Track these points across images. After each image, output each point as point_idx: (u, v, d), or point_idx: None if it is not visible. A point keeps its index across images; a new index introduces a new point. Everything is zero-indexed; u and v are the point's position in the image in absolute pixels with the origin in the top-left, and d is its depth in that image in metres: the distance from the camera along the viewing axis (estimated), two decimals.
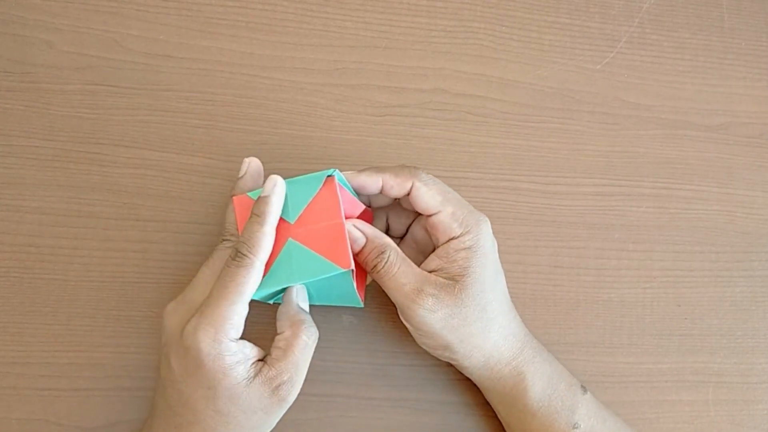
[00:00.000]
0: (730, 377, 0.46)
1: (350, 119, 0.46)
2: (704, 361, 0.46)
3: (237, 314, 0.34)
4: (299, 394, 0.41)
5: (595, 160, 0.48)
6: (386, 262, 0.36)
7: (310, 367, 0.42)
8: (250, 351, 0.35)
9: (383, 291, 0.43)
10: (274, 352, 0.35)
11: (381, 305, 0.43)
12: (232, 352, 0.33)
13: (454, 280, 0.37)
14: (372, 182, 0.37)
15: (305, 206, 0.35)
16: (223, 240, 0.36)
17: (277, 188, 0.35)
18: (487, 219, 0.38)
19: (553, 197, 0.47)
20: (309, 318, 0.36)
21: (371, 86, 0.46)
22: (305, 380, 0.41)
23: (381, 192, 0.38)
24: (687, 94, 0.50)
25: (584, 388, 0.40)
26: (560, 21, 0.49)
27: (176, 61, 0.44)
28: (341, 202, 0.35)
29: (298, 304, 0.36)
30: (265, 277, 0.35)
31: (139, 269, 0.42)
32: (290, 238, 0.35)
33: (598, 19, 0.50)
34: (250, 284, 0.34)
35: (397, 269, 0.36)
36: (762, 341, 0.47)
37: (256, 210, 0.35)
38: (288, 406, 0.36)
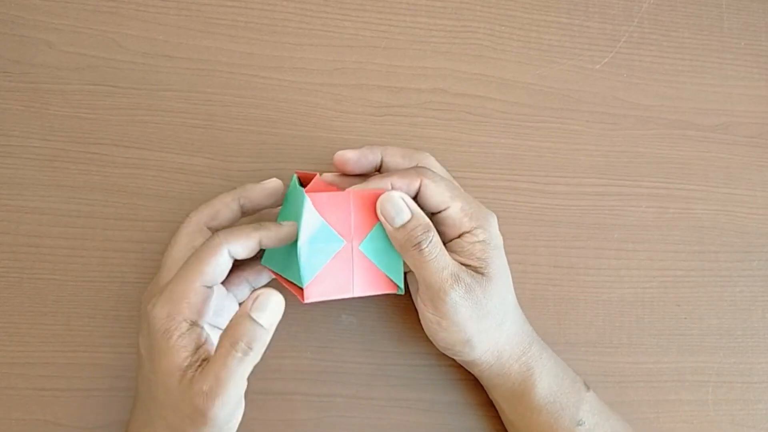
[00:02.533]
0: (729, 377, 0.46)
1: (350, 119, 0.46)
2: (704, 360, 0.46)
3: (194, 293, 0.33)
4: (299, 394, 0.42)
5: (595, 160, 0.48)
6: (430, 242, 0.35)
7: (309, 366, 0.42)
8: (205, 344, 0.33)
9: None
10: (211, 357, 0.32)
11: (381, 305, 0.43)
12: (182, 332, 0.32)
13: (480, 273, 0.37)
14: (383, 184, 0.36)
15: (327, 225, 0.35)
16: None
17: (294, 227, 0.35)
18: (494, 214, 0.38)
19: (553, 197, 0.47)
20: (247, 327, 0.31)
21: (371, 86, 0.46)
22: (305, 380, 0.42)
23: None
24: (686, 93, 0.50)
25: (587, 386, 0.40)
26: (560, 21, 0.49)
27: (176, 61, 0.44)
28: (328, 192, 0.36)
29: (249, 315, 0.31)
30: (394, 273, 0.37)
31: (139, 269, 0.42)
32: (358, 246, 0.36)
33: (597, 18, 0.50)
34: (213, 267, 0.33)
35: (439, 251, 0.36)
36: (761, 341, 0.47)
37: (262, 222, 0.35)
38: (214, 425, 0.31)
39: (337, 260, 0.35)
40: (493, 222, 0.38)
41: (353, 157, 0.38)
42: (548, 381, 0.39)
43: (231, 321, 0.32)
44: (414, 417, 0.43)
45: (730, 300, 0.47)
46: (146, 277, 0.42)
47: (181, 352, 0.32)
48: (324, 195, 0.35)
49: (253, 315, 0.31)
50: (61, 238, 0.42)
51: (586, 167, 0.48)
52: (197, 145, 0.44)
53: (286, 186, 0.38)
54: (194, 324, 0.33)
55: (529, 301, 0.45)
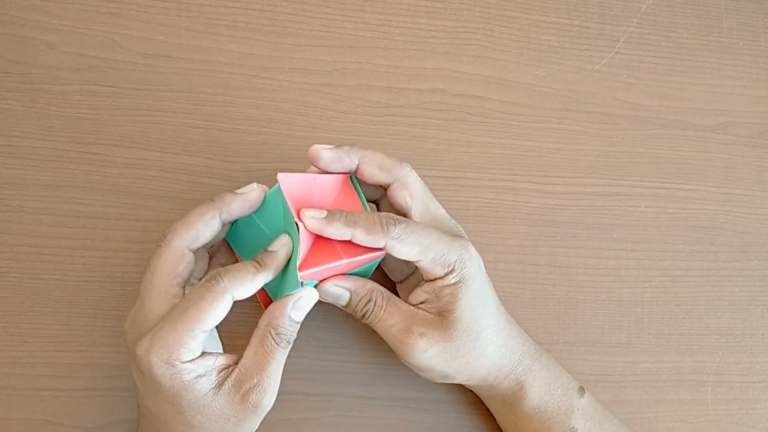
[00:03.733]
0: (728, 376, 0.46)
1: (349, 119, 0.46)
2: (703, 360, 0.46)
3: (194, 339, 0.32)
4: (299, 394, 0.42)
5: (594, 160, 0.48)
6: (373, 309, 0.36)
7: (309, 366, 0.42)
8: (215, 361, 0.33)
9: None
10: (245, 355, 0.34)
11: None
12: (188, 370, 0.32)
13: (441, 316, 0.36)
14: (341, 234, 0.34)
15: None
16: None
17: (286, 247, 0.35)
18: (468, 244, 0.37)
19: (552, 197, 0.47)
20: (287, 324, 0.34)
21: (370, 86, 0.46)
22: (305, 380, 0.42)
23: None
24: (685, 94, 0.50)
25: (582, 391, 0.40)
26: (559, 21, 0.49)
27: (176, 62, 0.45)
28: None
29: (289, 315, 0.34)
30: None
31: (139, 269, 0.42)
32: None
33: (596, 19, 0.50)
34: (214, 315, 0.32)
35: (384, 312, 0.37)
36: (760, 340, 0.47)
37: (261, 258, 0.34)
38: (264, 412, 0.34)
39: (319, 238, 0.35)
40: (467, 256, 0.36)
41: (327, 157, 0.36)
42: (538, 392, 0.39)
43: (270, 317, 0.34)
44: (414, 417, 0.43)
45: (729, 300, 0.47)
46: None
47: (201, 382, 0.33)
48: (320, 271, 0.34)
49: (293, 315, 0.34)
50: (62, 238, 0.42)
51: (586, 167, 0.48)
52: (197, 145, 0.44)
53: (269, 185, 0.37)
54: (194, 360, 0.33)
55: (528, 301, 0.45)
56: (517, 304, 0.44)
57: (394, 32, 0.47)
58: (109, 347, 0.41)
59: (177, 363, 0.32)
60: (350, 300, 0.37)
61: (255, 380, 0.33)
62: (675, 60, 0.50)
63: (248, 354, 0.34)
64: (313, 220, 0.34)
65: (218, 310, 0.32)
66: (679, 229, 0.48)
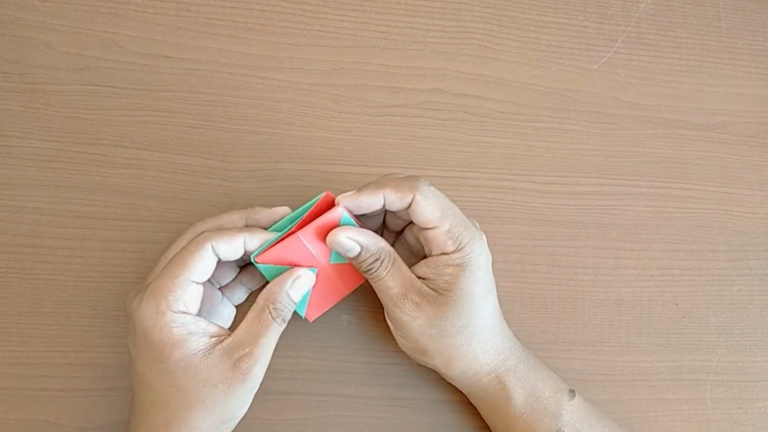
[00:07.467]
0: (727, 375, 0.46)
1: (348, 119, 0.46)
2: (702, 359, 0.46)
3: (181, 287, 0.34)
4: (298, 394, 0.42)
5: (593, 160, 0.48)
6: (377, 268, 0.37)
7: (309, 366, 0.42)
8: (208, 326, 0.35)
9: None
10: (240, 326, 0.35)
11: (381, 305, 0.43)
12: (180, 323, 0.33)
13: (438, 293, 0.37)
14: (374, 200, 0.36)
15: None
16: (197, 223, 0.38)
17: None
18: (482, 236, 0.38)
19: (551, 197, 0.47)
20: (285, 301, 0.36)
21: (369, 86, 0.46)
22: (305, 380, 0.42)
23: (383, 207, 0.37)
24: (684, 93, 0.50)
25: (572, 393, 0.39)
26: (558, 21, 0.49)
27: (174, 62, 0.45)
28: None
29: (287, 292, 0.36)
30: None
31: (138, 269, 0.42)
32: (328, 261, 0.38)
33: (595, 18, 0.50)
34: (198, 264, 0.34)
35: (387, 273, 0.37)
36: (759, 339, 0.47)
37: (248, 229, 0.36)
38: (252, 383, 0.35)
39: (318, 281, 0.37)
40: (479, 245, 0.37)
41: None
42: (523, 393, 0.38)
43: (269, 292, 0.35)
44: (414, 417, 0.43)
45: (728, 299, 0.48)
46: (145, 277, 0.42)
47: (191, 340, 0.34)
48: (275, 249, 0.36)
49: (291, 293, 0.36)
50: (61, 238, 0.42)
51: (584, 167, 0.48)
52: (196, 145, 0.44)
53: (293, 208, 0.38)
54: (186, 314, 0.34)
55: (527, 300, 0.45)
56: (516, 304, 0.44)
57: (392, 32, 0.47)
58: (108, 347, 0.41)
59: (167, 311, 0.33)
60: (359, 254, 0.36)
61: (247, 349, 0.34)
62: (674, 59, 0.50)
63: (243, 326, 0.35)
64: (346, 198, 0.36)
65: (201, 258, 0.34)
66: (678, 228, 0.48)
